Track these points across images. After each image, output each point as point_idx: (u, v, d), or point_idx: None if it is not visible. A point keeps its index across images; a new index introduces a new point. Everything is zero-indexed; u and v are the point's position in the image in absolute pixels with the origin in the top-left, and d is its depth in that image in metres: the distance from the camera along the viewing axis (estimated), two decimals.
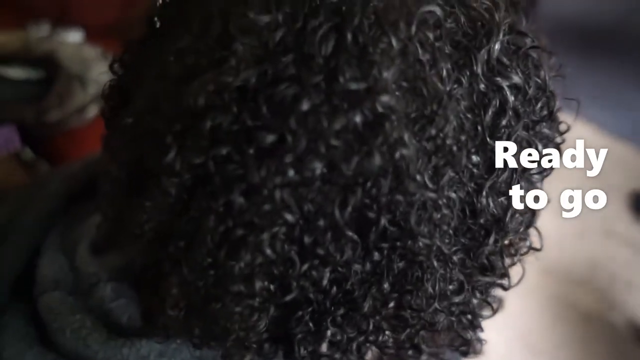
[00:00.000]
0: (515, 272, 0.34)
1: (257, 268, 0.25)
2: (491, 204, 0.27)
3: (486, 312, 0.34)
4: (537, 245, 0.34)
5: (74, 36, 0.95)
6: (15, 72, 0.83)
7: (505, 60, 0.27)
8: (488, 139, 0.27)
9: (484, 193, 0.27)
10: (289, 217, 0.24)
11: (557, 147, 0.32)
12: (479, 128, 0.27)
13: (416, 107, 0.25)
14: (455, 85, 0.26)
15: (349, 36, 0.24)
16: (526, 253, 0.33)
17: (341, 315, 0.27)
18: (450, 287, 0.28)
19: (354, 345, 0.29)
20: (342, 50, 0.24)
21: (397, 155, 0.24)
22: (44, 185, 0.39)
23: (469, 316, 0.32)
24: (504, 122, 0.27)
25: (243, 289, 0.26)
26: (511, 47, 0.28)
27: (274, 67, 0.24)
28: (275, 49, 0.24)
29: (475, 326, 0.33)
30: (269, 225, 0.24)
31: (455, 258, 0.28)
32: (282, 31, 0.24)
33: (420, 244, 0.26)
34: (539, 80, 0.29)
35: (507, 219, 0.28)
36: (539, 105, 0.29)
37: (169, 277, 0.28)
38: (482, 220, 0.28)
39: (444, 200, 0.26)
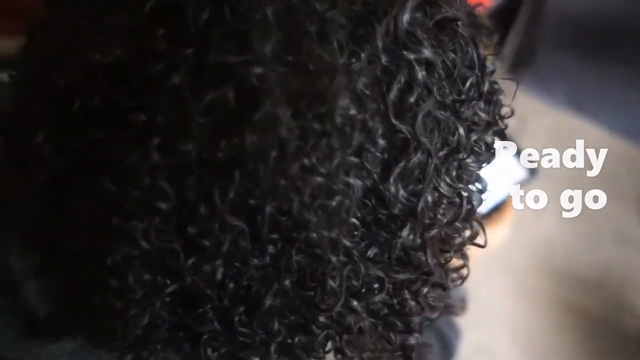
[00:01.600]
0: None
1: (135, 260, 0.24)
2: (401, 191, 0.25)
3: (429, 313, 0.31)
4: (480, 240, 0.31)
5: None
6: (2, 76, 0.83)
7: (417, 33, 0.24)
8: (393, 119, 0.24)
9: (391, 180, 0.24)
10: (163, 205, 0.22)
11: (499, 133, 0.29)
12: (382, 107, 0.24)
13: (303, 82, 0.22)
14: (353, 60, 0.23)
15: (226, 8, 0.22)
16: (461, 248, 0.30)
17: (245, 314, 0.26)
18: (365, 285, 0.26)
19: (272, 349, 0.27)
20: (217, 21, 0.22)
21: (275, 134, 0.22)
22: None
23: (401, 318, 0.29)
24: (411, 100, 0.24)
25: (119, 283, 0.24)
26: (427, 20, 0.25)
27: (146, 42, 0.22)
28: (147, 22, 0.23)
29: (410, 329, 0.30)
30: (141, 214, 0.23)
31: (369, 252, 0.25)
32: (153, 2, 0.23)
33: (315, 235, 0.23)
34: (465, 58, 0.26)
35: (421, 209, 0.25)
36: (467, 85, 0.26)
37: (56, 270, 0.27)
38: (395, 211, 0.25)
39: (340, 187, 0.23)
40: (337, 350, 0.29)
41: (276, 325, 0.26)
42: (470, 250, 0.72)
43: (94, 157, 0.23)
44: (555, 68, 1.43)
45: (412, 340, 0.32)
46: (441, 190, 0.26)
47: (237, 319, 0.26)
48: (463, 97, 0.26)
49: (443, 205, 0.26)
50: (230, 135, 0.22)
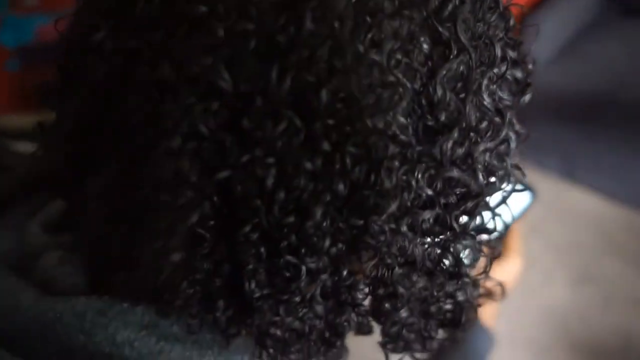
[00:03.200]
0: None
1: (189, 153, 0.23)
2: (448, 94, 0.24)
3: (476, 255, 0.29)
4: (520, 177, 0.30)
5: None
6: (25, 147, 0.87)
7: None
8: (435, 23, 0.24)
9: (438, 82, 0.24)
10: (223, 83, 0.22)
11: (526, 72, 0.29)
12: (424, 12, 0.24)
13: None
14: None
15: None
16: (511, 163, 0.29)
17: (293, 231, 0.24)
18: (416, 196, 0.25)
19: (317, 290, 0.26)
20: None
21: (331, 20, 0.22)
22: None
23: (447, 252, 0.28)
24: (449, 7, 0.25)
25: (174, 170, 0.23)
26: None
27: None
28: None
29: (459, 269, 0.28)
30: (200, 99, 0.22)
31: (419, 167, 0.25)
32: None
33: (370, 123, 0.23)
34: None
35: (467, 115, 0.25)
36: (495, 15, 0.27)
37: (99, 172, 0.25)
38: (442, 117, 0.25)
39: (391, 78, 0.23)
40: (385, 287, 0.27)
41: (326, 243, 0.24)
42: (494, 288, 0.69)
43: (154, 49, 0.23)
44: (545, 138, 1.47)
45: (461, 295, 0.31)
46: (484, 103, 0.26)
47: (285, 243, 0.24)
48: (494, 21, 0.27)
49: (485, 123, 0.26)
50: (288, 20, 0.22)
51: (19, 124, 0.96)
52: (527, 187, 0.69)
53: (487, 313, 0.66)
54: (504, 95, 0.28)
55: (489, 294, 0.37)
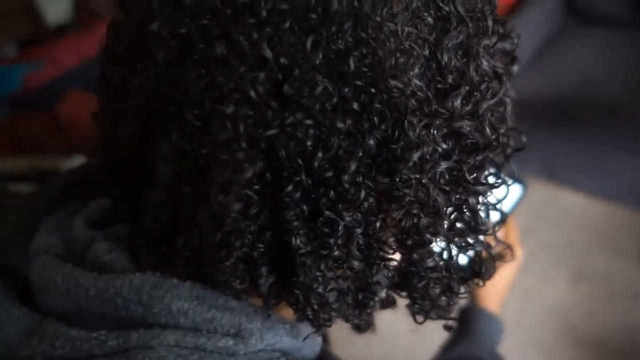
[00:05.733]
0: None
1: (241, 117, 0.26)
2: (453, 60, 0.28)
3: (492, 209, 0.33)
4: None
5: (78, 160, 1.01)
6: (20, 188, 0.87)
7: None
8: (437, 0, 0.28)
9: (443, 48, 0.28)
10: (267, 54, 0.26)
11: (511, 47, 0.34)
12: None
13: None
14: None
15: None
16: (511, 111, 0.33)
17: (331, 183, 0.27)
18: (435, 150, 0.28)
19: (354, 245, 0.28)
20: None
21: (353, 0, 0.26)
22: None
23: (468, 211, 0.31)
24: None
25: (230, 135, 0.26)
26: None
27: None
28: None
29: (477, 225, 0.32)
30: (249, 70, 0.26)
31: (434, 124, 0.28)
32: None
33: (391, 83, 0.26)
34: None
35: (471, 75, 0.29)
36: None
37: (161, 144, 0.28)
38: (449, 79, 0.28)
39: (406, 45, 0.27)
40: (416, 234, 0.30)
41: (361, 195, 0.27)
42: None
43: (209, 31, 0.26)
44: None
45: (479, 246, 0.33)
46: (483, 67, 0.30)
47: (323, 200, 0.27)
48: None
49: (485, 84, 0.30)
50: (317, 1, 0.26)
51: (10, 167, 0.97)
52: (517, 180, 0.71)
53: (494, 303, 0.67)
54: (497, 63, 0.32)
55: (500, 256, 0.40)
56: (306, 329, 0.34)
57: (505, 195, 0.34)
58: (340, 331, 0.38)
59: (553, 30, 2.00)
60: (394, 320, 0.57)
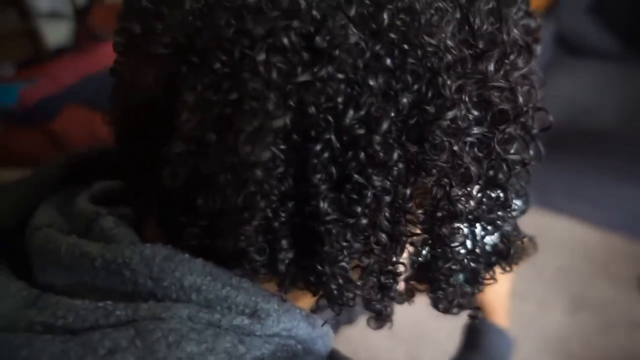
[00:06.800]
0: None
1: (273, 64, 0.25)
2: (485, 25, 0.28)
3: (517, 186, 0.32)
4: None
5: None
6: None
7: None
8: None
9: (476, 11, 0.28)
10: (302, 8, 0.25)
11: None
12: None
13: None
14: None
15: None
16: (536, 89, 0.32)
17: (361, 143, 0.26)
18: (467, 117, 0.28)
19: (381, 216, 0.27)
20: None
21: None
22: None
23: (500, 175, 0.30)
24: None
25: (260, 84, 0.25)
26: None
27: None
28: None
29: (507, 199, 0.31)
30: (282, 17, 0.25)
31: (469, 78, 0.27)
32: None
33: (425, 39, 0.26)
34: None
35: (504, 37, 0.28)
36: None
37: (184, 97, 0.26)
38: (481, 45, 0.28)
39: (439, 4, 0.27)
40: (449, 202, 0.29)
41: (393, 157, 0.26)
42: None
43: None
44: None
45: (507, 226, 0.33)
46: (513, 33, 0.29)
47: (353, 163, 0.26)
48: None
49: (516, 52, 0.29)
50: None
51: (2, 177, 0.97)
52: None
53: (500, 316, 0.66)
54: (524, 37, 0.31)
55: (523, 248, 0.38)
56: (320, 320, 0.32)
57: (529, 177, 0.33)
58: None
59: (545, 61, 2.05)
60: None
